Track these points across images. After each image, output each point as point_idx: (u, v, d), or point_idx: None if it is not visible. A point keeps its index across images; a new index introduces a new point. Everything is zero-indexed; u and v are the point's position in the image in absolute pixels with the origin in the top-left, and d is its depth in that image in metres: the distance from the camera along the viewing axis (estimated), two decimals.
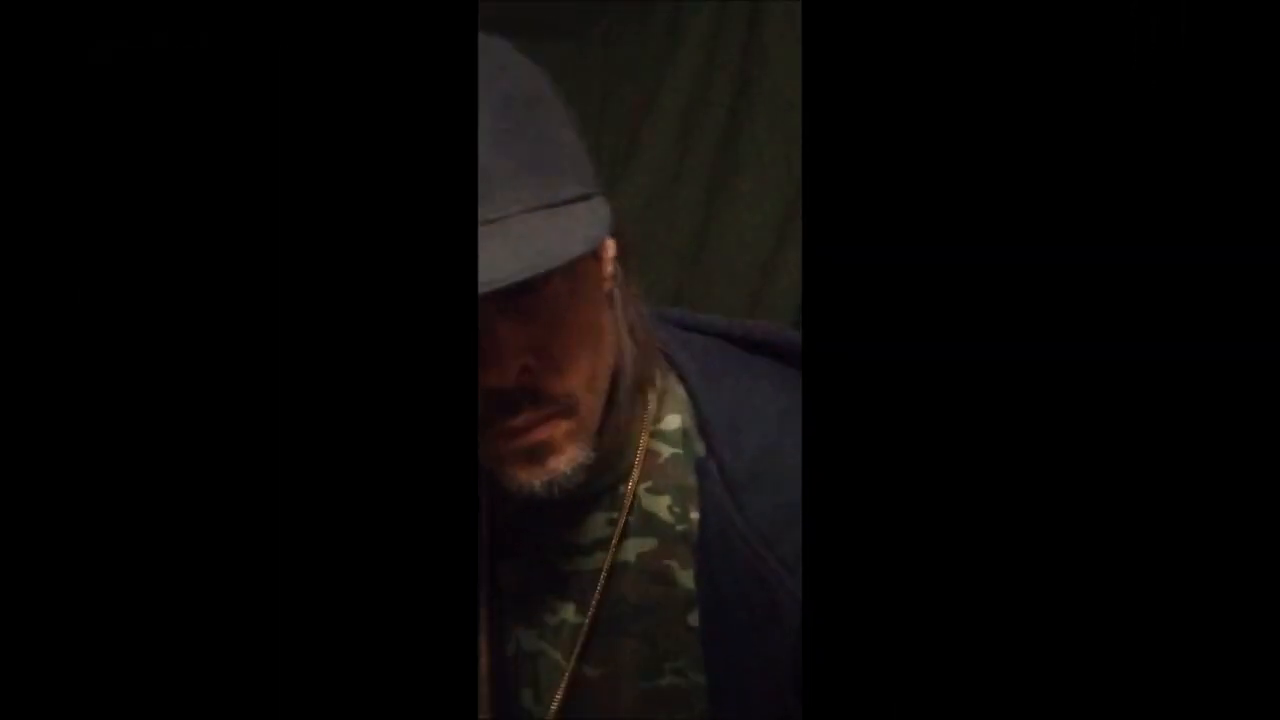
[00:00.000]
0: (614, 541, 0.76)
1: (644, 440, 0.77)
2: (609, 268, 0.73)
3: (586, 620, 0.76)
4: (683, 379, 0.80)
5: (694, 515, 0.76)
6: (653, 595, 0.76)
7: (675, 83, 2.05)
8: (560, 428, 0.69)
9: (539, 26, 1.94)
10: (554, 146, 0.68)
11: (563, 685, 0.74)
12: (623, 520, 0.76)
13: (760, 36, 2.03)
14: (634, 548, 0.76)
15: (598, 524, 0.77)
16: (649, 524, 0.77)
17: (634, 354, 0.75)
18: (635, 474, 0.76)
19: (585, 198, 0.70)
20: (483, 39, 0.69)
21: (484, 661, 0.75)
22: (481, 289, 0.63)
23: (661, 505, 0.76)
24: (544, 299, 0.67)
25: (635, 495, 0.76)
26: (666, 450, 0.78)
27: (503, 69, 0.69)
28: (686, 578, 0.76)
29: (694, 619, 0.75)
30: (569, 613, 0.77)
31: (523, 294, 0.65)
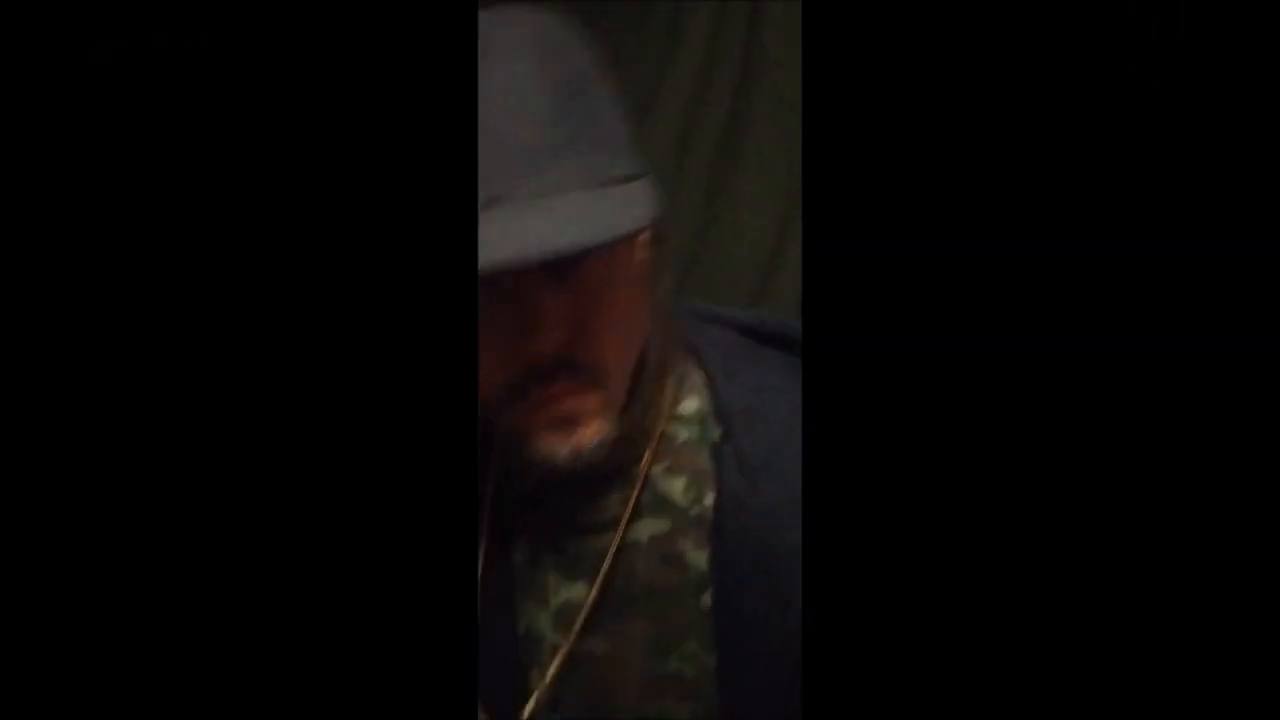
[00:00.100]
0: (626, 521, 0.76)
1: (662, 423, 0.78)
2: (645, 251, 0.75)
3: (593, 597, 0.76)
4: (701, 366, 0.81)
5: (709, 498, 0.77)
6: (664, 577, 0.76)
7: (675, 83, 2.05)
8: (590, 400, 0.70)
9: None
10: (605, 125, 0.69)
11: (558, 660, 0.75)
12: (635, 500, 0.77)
13: (760, 36, 2.03)
14: (647, 528, 0.77)
15: (612, 503, 0.77)
16: (663, 505, 0.77)
17: (661, 337, 0.76)
18: (650, 455, 0.77)
19: (635, 178, 0.71)
20: (535, 13, 0.70)
21: (494, 641, 0.76)
22: (529, 259, 0.63)
23: (677, 487, 0.77)
24: (587, 274, 0.68)
25: (651, 476, 0.77)
26: (684, 434, 0.79)
27: (557, 45, 0.69)
28: (699, 560, 0.76)
29: (705, 601, 0.76)
30: (579, 591, 0.77)
31: (568, 267, 0.67)
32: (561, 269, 0.67)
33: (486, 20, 0.69)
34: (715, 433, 0.78)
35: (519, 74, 0.66)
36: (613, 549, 0.77)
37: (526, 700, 0.76)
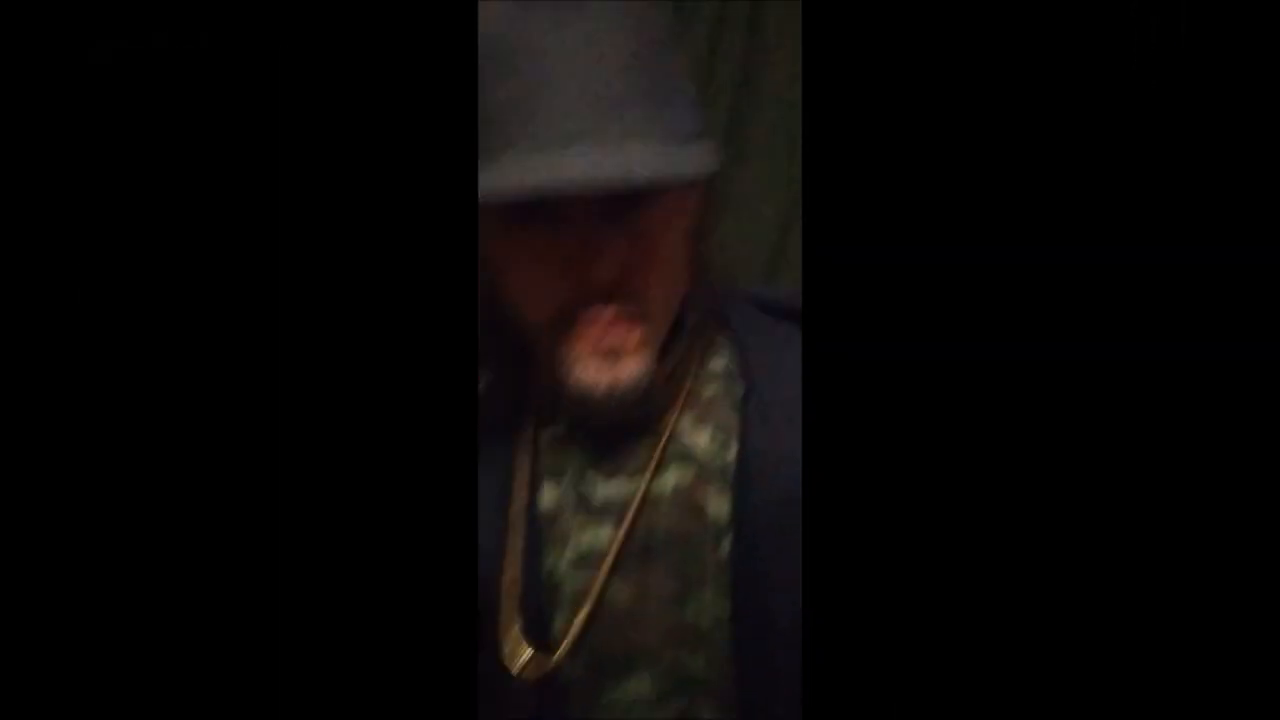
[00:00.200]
0: (653, 470, 0.80)
1: (691, 378, 0.82)
2: (697, 206, 0.79)
3: (618, 544, 0.79)
4: (728, 327, 0.85)
5: (732, 451, 0.80)
6: (686, 525, 0.79)
7: None
8: (633, 336, 0.75)
9: None
10: (677, 86, 0.74)
11: (587, 608, 0.77)
12: (662, 451, 0.80)
13: (760, 36, 2.03)
14: (672, 478, 0.80)
15: (639, 452, 0.81)
16: (688, 457, 0.80)
17: (701, 292, 0.81)
18: (679, 408, 0.81)
19: (698, 137, 0.77)
20: None
21: (518, 585, 0.78)
22: (599, 187, 0.69)
23: (702, 439, 0.81)
24: (648, 216, 0.73)
25: (678, 429, 0.81)
26: (711, 388, 0.82)
27: (638, 10, 0.73)
28: (721, 509, 0.79)
29: (725, 550, 0.79)
30: (603, 538, 0.80)
31: (631, 206, 0.72)
32: (623, 207, 0.72)
33: None
34: (739, 389, 0.82)
35: (603, 28, 0.70)
36: (639, 497, 0.80)
37: (548, 643, 0.78)
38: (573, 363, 0.76)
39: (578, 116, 0.68)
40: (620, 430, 0.81)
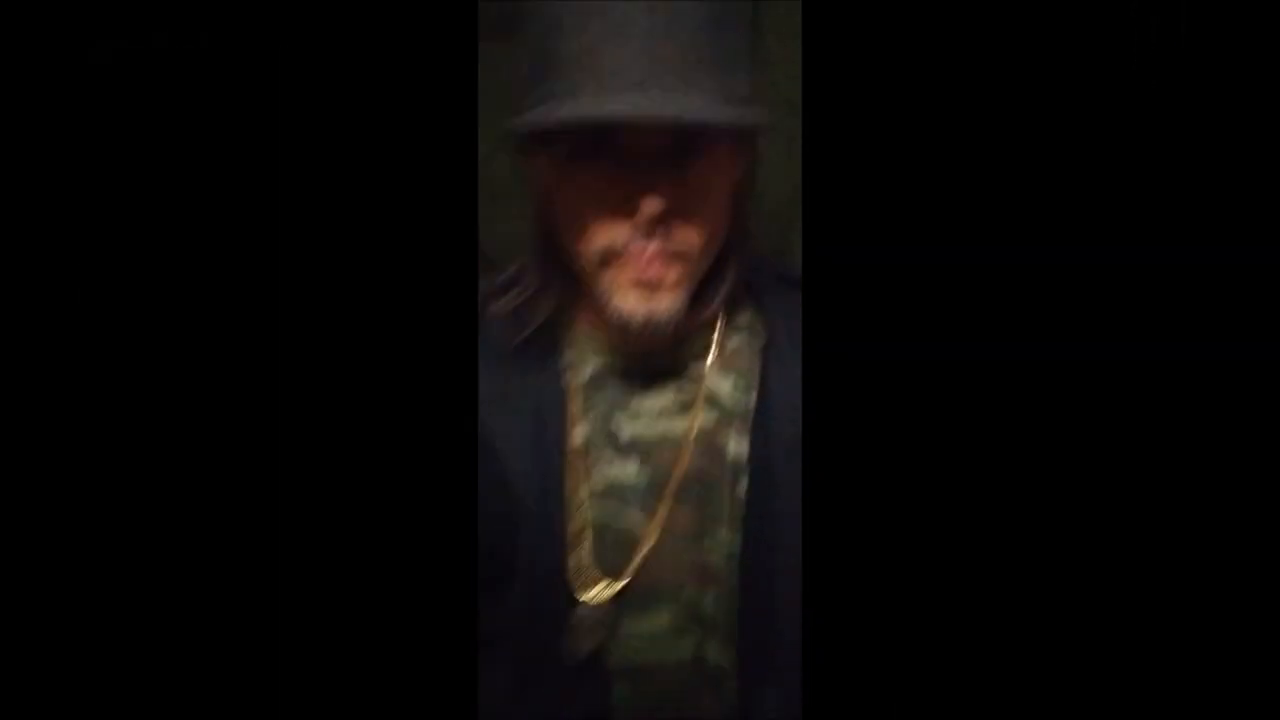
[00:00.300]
0: (678, 412, 0.87)
1: (719, 327, 0.89)
2: (744, 165, 0.86)
3: (645, 482, 0.87)
4: (751, 285, 0.93)
5: (752, 397, 0.88)
6: (707, 466, 0.86)
7: None
8: (673, 272, 0.81)
9: None
10: (731, 52, 0.80)
11: (651, 542, 0.85)
12: (689, 394, 0.88)
13: (760, 36, 2.03)
14: (696, 421, 0.87)
15: (667, 395, 0.88)
16: (713, 401, 0.88)
17: (740, 247, 0.88)
18: (706, 355, 0.89)
19: (750, 99, 0.83)
20: None
21: (552, 522, 0.85)
22: (662, 124, 0.77)
23: (726, 386, 0.88)
24: (697, 166, 0.80)
25: (704, 374, 0.88)
26: (735, 339, 0.90)
27: None
28: (740, 449, 0.87)
29: (743, 488, 0.86)
30: (630, 474, 0.87)
31: (683, 155, 0.79)
32: (675, 156, 0.79)
33: None
34: (761, 340, 0.90)
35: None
36: (667, 437, 0.87)
37: (569, 567, 0.85)
38: (615, 291, 0.82)
39: (642, 67, 0.75)
40: (648, 374, 0.88)
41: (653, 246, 0.80)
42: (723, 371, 0.89)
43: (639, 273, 0.81)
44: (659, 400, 0.88)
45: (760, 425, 0.87)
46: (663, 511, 0.86)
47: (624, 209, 0.79)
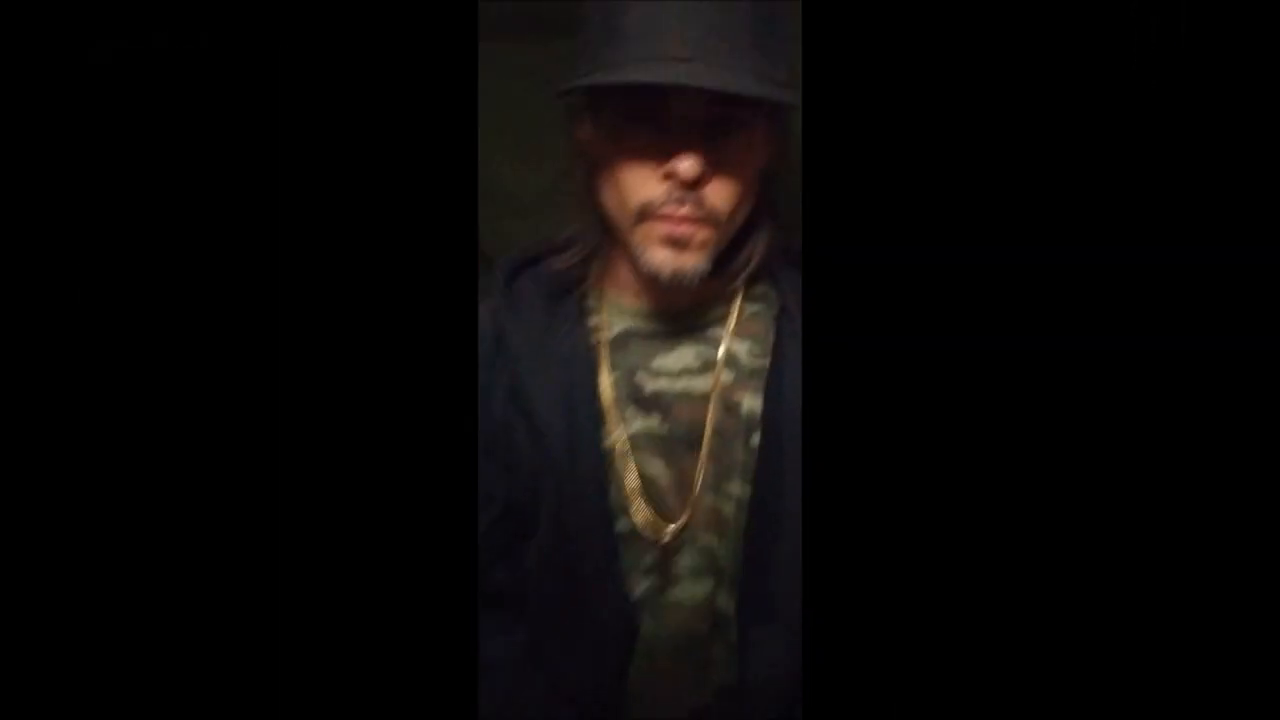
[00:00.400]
0: (700, 372, 0.95)
1: (739, 296, 0.97)
2: (776, 145, 0.93)
3: (666, 434, 0.94)
4: (771, 260, 1.00)
5: (766, 359, 0.96)
6: (724, 421, 0.94)
7: None
8: (701, 233, 0.89)
9: (540, 25, 1.94)
10: (781, 44, 0.88)
11: (642, 487, 0.93)
12: (709, 356, 0.96)
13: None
14: (715, 379, 0.95)
15: (687, 356, 0.96)
16: (730, 362, 0.96)
17: (765, 223, 0.95)
18: (730, 322, 0.96)
19: (787, 80, 0.90)
20: None
21: (587, 467, 0.93)
22: (706, 90, 0.83)
23: (743, 349, 0.96)
24: (733, 140, 0.87)
25: (723, 338, 0.96)
26: (752, 308, 0.98)
27: None
28: (754, 406, 0.94)
29: (755, 441, 0.94)
30: (654, 424, 0.95)
31: (723, 126, 0.86)
32: (715, 127, 0.86)
33: None
34: (775, 309, 0.98)
35: None
36: (688, 393, 0.95)
37: (630, 511, 0.94)
38: (648, 246, 0.90)
39: (692, 44, 0.82)
40: (670, 336, 0.97)
41: (685, 208, 0.87)
42: (740, 336, 0.97)
43: (670, 230, 0.88)
44: (680, 360, 0.96)
45: (773, 385, 0.94)
46: (685, 462, 0.94)
47: (662, 171, 0.87)
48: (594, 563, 0.93)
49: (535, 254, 1.01)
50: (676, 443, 0.95)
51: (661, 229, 0.89)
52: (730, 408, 0.95)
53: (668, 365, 0.96)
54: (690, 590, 0.94)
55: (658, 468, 0.95)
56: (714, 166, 0.87)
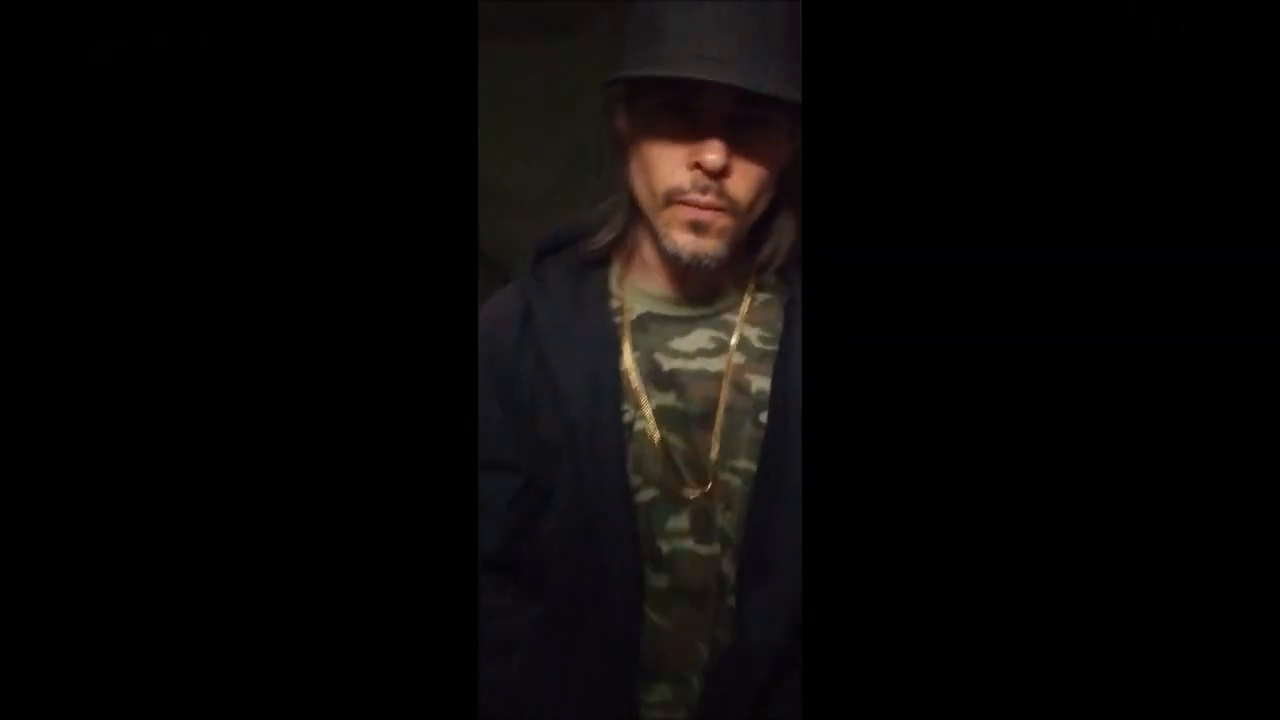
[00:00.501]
0: (715, 353, 1.03)
1: (750, 285, 1.04)
2: (795, 146, 0.98)
3: (681, 409, 1.01)
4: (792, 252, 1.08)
5: (775, 343, 1.03)
6: (735, 399, 1.01)
7: None
8: (721, 220, 0.95)
9: (540, 25, 1.94)
10: (785, 38, 0.93)
11: (661, 457, 1.00)
12: (723, 339, 1.03)
13: None
14: (727, 361, 1.02)
15: (703, 338, 1.03)
16: (742, 345, 1.03)
17: (781, 218, 1.02)
18: (743, 309, 1.04)
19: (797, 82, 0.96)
20: None
21: (608, 437, 1.00)
22: (734, 86, 0.90)
23: (754, 334, 1.03)
24: (762, 135, 0.94)
25: (736, 323, 1.03)
26: (763, 297, 1.05)
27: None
28: (763, 386, 1.01)
29: (763, 418, 1.00)
30: (670, 400, 1.02)
31: (749, 124, 0.93)
32: (740, 122, 0.93)
33: None
34: (784, 297, 1.05)
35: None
36: (702, 372, 1.02)
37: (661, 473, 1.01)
38: (672, 228, 0.97)
39: (724, 44, 0.91)
40: (686, 320, 1.04)
41: (708, 196, 0.94)
42: (751, 323, 1.04)
43: (694, 215, 0.95)
44: (696, 342, 1.03)
45: (780, 369, 1.01)
46: (698, 436, 1.01)
47: (690, 160, 0.94)
48: (611, 527, 0.99)
49: (564, 238, 1.08)
50: (691, 418, 1.01)
51: (685, 214, 0.96)
52: (741, 387, 1.02)
53: (684, 347, 1.03)
54: (697, 554, 1.01)
55: (674, 441, 1.01)
56: (737, 159, 0.94)
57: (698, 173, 0.94)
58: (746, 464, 1.00)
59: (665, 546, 1.00)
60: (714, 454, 1.00)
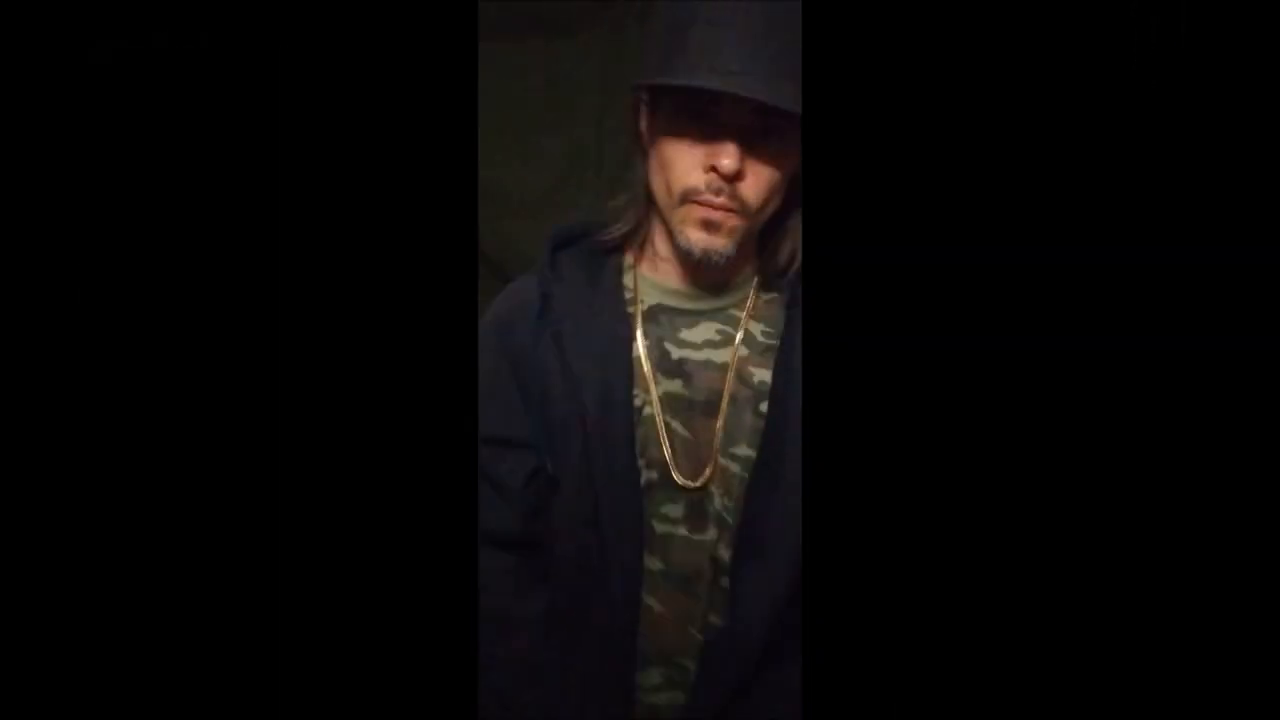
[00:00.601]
0: (721, 345, 1.09)
1: (754, 284, 1.11)
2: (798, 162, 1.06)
3: (687, 396, 1.07)
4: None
5: (776, 339, 1.09)
6: (738, 389, 1.07)
7: None
8: (732, 219, 1.02)
9: (540, 25, 1.94)
10: (794, 53, 0.98)
11: (665, 442, 1.06)
12: (728, 332, 1.09)
13: None
14: (732, 353, 1.08)
15: (709, 331, 1.09)
16: (746, 339, 1.09)
17: (787, 223, 1.09)
18: (747, 306, 1.10)
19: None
20: None
21: (618, 420, 1.05)
22: (747, 97, 0.96)
23: (757, 329, 1.10)
24: (774, 143, 1.00)
25: (741, 319, 1.09)
26: (766, 295, 1.11)
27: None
28: (764, 377, 1.07)
29: (764, 407, 1.06)
30: (677, 387, 1.08)
31: (761, 132, 0.99)
32: (760, 134, 0.99)
33: None
34: (786, 296, 1.11)
35: (752, 6, 0.98)
36: (708, 362, 1.08)
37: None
38: (686, 226, 1.03)
39: (743, 58, 0.97)
40: (693, 313, 1.10)
41: (721, 197, 1.01)
42: (754, 319, 1.10)
43: (707, 214, 1.02)
44: (703, 334, 1.09)
45: (781, 362, 1.07)
46: (701, 423, 1.07)
47: (706, 163, 1.00)
48: (617, 509, 1.04)
49: (579, 231, 1.15)
50: (696, 405, 1.07)
51: (699, 213, 1.02)
52: (744, 378, 1.08)
53: (692, 337, 1.09)
54: (690, 541, 1.06)
55: (676, 427, 1.07)
56: (750, 164, 1.00)
57: (713, 175, 1.00)
58: (746, 450, 1.06)
59: (660, 529, 1.05)
60: (716, 440, 1.06)
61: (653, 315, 1.10)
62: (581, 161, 1.92)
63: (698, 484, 1.05)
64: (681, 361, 1.08)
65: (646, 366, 1.08)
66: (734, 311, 1.10)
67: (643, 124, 1.07)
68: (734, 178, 1.00)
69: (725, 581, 1.06)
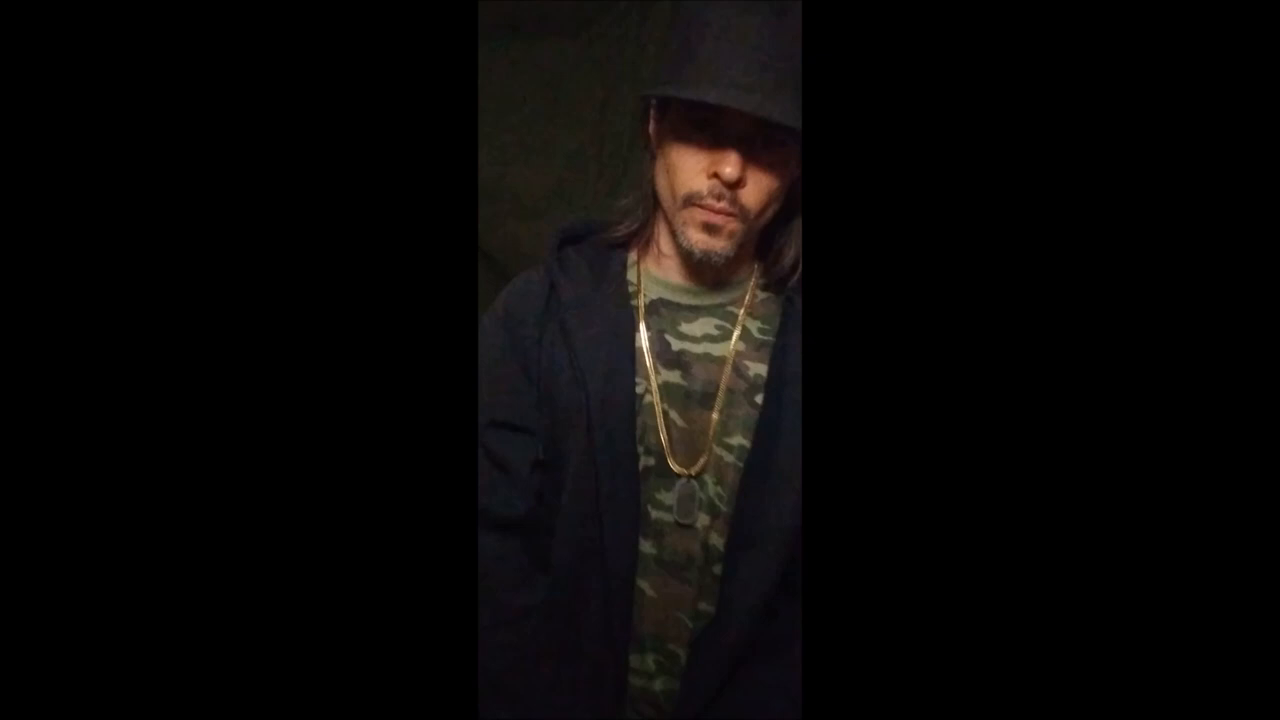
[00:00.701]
0: (720, 339, 1.16)
1: (752, 282, 1.18)
2: (798, 169, 1.12)
3: (685, 388, 1.14)
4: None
5: (773, 334, 1.16)
6: (735, 382, 1.14)
7: None
8: (732, 223, 1.09)
9: (540, 26, 1.94)
10: (797, 69, 1.05)
11: (662, 430, 1.13)
12: (726, 327, 1.16)
13: None
14: (730, 347, 1.15)
15: (708, 326, 1.17)
16: (743, 335, 1.16)
17: (785, 229, 1.16)
18: (745, 303, 1.17)
19: None
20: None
21: (621, 406, 1.12)
22: (750, 112, 1.02)
23: (755, 325, 1.17)
24: (774, 153, 1.08)
25: (740, 315, 1.17)
26: (763, 294, 1.19)
27: (780, 12, 1.05)
28: (760, 370, 1.14)
29: (759, 399, 1.13)
30: (676, 378, 1.14)
31: (767, 144, 1.07)
32: (763, 144, 1.06)
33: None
34: (783, 297, 1.18)
35: (764, 18, 1.04)
36: (707, 354, 1.15)
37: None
38: (688, 227, 1.11)
39: (753, 75, 1.03)
40: (694, 309, 1.17)
41: (722, 202, 1.08)
42: (751, 315, 1.17)
43: (708, 218, 1.09)
44: (702, 328, 1.16)
45: (777, 357, 1.14)
46: (698, 413, 1.13)
47: (709, 169, 1.08)
48: (616, 495, 1.10)
49: (584, 228, 1.22)
50: (693, 396, 1.14)
51: (701, 215, 1.09)
52: (741, 371, 1.14)
53: (692, 331, 1.16)
54: (680, 529, 1.12)
55: (674, 416, 1.13)
56: (751, 172, 1.07)
57: (715, 181, 1.07)
58: (741, 440, 1.13)
59: (655, 514, 1.13)
60: (712, 429, 1.13)
61: (654, 308, 1.17)
62: (581, 161, 1.92)
63: (693, 471, 1.12)
64: (681, 353, 1.15)
65: (648, 357, 1.14)
66: (732, 308, 1.17)
67: (651, 129, 1.14)
68: (735, 184, 1.07)
69: (718, 569, 1.12)
